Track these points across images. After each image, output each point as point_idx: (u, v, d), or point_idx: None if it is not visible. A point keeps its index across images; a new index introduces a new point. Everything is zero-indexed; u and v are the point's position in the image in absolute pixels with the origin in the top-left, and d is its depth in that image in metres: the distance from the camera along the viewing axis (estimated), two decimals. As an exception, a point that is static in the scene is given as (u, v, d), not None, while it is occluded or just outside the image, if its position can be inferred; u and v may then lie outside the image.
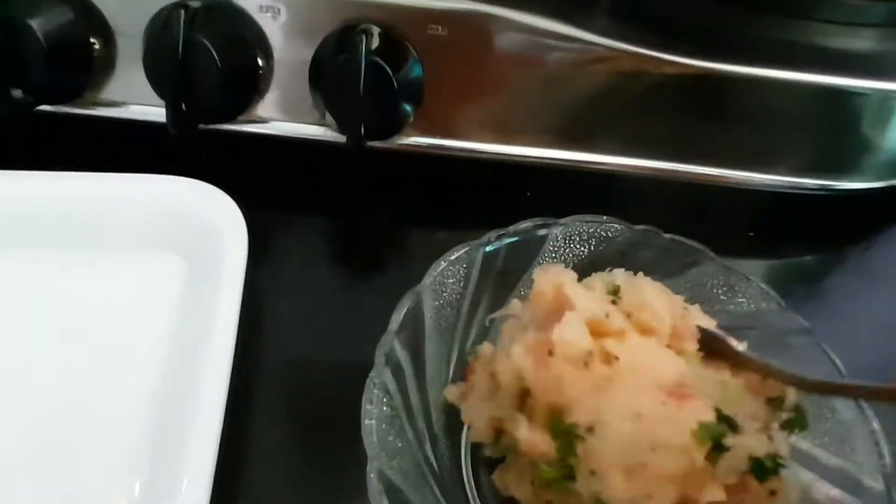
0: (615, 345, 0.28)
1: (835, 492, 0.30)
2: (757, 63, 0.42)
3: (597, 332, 0.30)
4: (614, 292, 0.33)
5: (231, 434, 0.34)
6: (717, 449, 0.27)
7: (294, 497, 0.36)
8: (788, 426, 0.29)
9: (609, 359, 0.28)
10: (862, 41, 0.44)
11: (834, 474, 0.31)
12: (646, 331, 0.30)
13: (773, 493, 0.29)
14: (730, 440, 0.27)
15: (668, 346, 0.31)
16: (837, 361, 0.34)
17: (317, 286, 0.44)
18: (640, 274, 0.36)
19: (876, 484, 0.30)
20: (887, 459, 0.30)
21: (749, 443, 0.27)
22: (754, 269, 0.44)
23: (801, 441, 0.33)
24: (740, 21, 0.44)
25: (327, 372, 0.39)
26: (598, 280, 0.35)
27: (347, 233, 0.47)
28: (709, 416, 0.27)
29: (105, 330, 0.38)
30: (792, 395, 0.31)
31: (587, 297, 0.31)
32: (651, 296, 0.32)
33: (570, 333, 0.29)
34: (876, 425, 0.31)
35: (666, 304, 0.32)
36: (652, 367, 0.28)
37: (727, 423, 0.28)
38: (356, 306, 0.42)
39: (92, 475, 0.34)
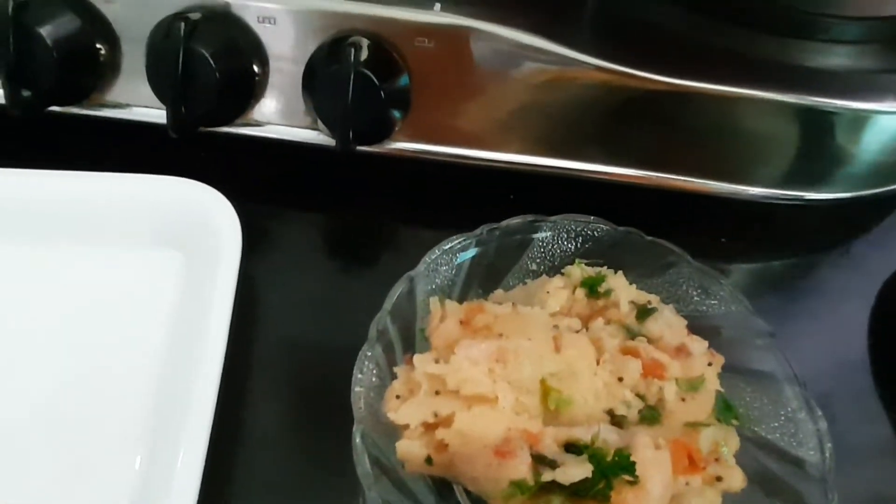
0: (444, 431, 0.31)
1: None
2: (732, 82, 0.42)
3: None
4: (590, 285, 0.35)
5: (226, 413, 0.36)
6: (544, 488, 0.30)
7: (285, 472, 0.38)
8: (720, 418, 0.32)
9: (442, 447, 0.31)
10: (836, 58, 0.45)
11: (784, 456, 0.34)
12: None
13: (719, 479, 0.31)
14: (548, 475, 0.29)
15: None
16: (792, 364, 0.37)
17: (308, 279, 0.45)
18: (620, 273, 0.38)
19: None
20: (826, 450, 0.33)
21: (569, 472, 0.29)
22: (726, 274, 0.47)
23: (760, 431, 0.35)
24: (718, 38, 0.44)
25: (318, 357, 0.41)
26: (578, 269, 0.37)
27: (338, 230, 0.49)
28: (522, 473, 0.29)
29: (109, 318, 0.41)
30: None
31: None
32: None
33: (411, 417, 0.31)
34: (822, 425, 0.34)
35: None
36: (482, 433, 0.30)
37: (548, 464, 0.30)
38: (345, 298, 0.44)
39: (96, 451, 0.37)
